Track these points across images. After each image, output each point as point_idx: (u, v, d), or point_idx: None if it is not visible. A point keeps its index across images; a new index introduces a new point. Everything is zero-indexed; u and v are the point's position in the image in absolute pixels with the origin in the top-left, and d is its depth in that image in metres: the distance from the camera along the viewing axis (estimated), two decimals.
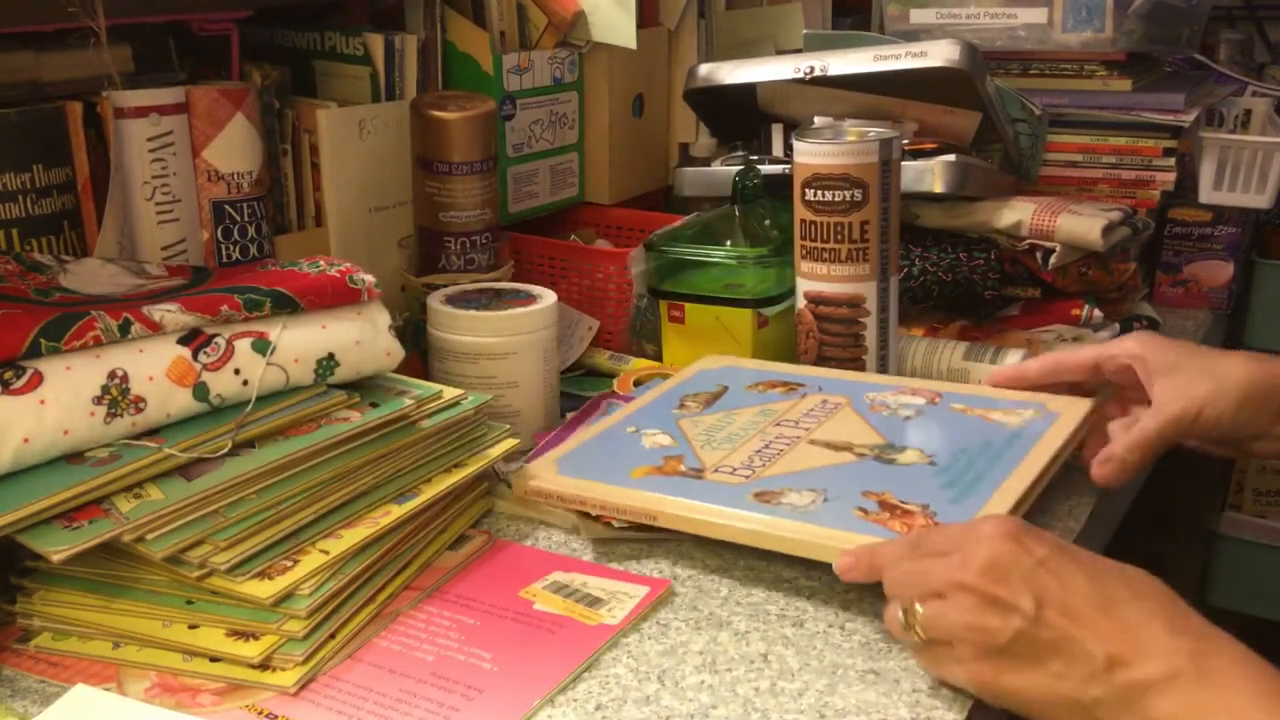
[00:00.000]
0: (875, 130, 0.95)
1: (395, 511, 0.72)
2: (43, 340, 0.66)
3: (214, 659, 0.65)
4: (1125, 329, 1.08)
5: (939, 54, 1.05)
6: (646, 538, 0.78)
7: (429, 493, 0.75)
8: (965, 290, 1.07)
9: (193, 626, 0.66)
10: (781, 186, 1.01)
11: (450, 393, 0.80)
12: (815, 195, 0.93)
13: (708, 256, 1.02)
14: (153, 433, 0.69)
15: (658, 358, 1.05)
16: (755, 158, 1.16)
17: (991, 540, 0.61)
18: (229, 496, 0.67)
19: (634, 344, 1.09)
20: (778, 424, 0.85)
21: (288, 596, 0.65)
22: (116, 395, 0.67)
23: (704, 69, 1.18)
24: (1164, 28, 1.29)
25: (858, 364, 0.95)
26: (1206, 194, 1.24)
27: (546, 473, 0.82)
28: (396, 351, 0.79)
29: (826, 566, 0.70)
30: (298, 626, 0.65)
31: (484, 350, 0.92)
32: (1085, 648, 0.57)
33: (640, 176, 1.29)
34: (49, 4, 0.80)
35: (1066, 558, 0.61)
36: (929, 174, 1.04)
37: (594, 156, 1.24)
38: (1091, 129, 1.24)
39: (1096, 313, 1.05)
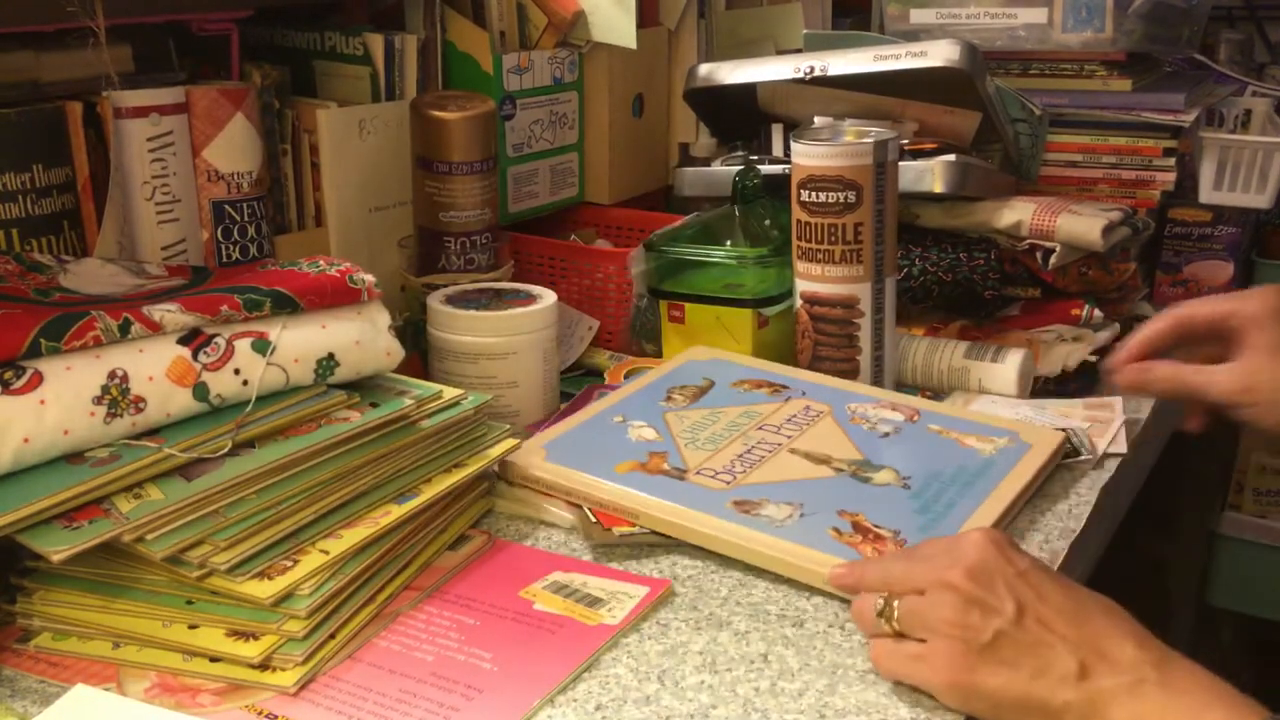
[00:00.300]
0: (872, 132, 0.95)
1: (395, 511, 0.72)
2: (43, 340, 0.66)
3: (214, 659, 0.65)
4: (1125, 329, 1.08)
5: (939, 54, 1.05)
6: (647, 541, 0.78)
7: (429, 493, 0.75)
8: (965, 290, 1.07)
9: (193, 626, 0.66)
10: (781, 186, 1.01)
11: (450, 393, 0.80)
12: (810, 196, 0.93)
13: (708, 256, 1.02)
14: (153, 433, 0.69)
15: (658, 357, 1.05)
16: (755, 158, 1.16)
17: (978, 547, 0.64)
18: (229, 496, 0.67)
19: (634, 344, 1.09)
20: (760, 428, 0.86)
21: (288, 596, 0.65)
22: (116, 395, 0.67)
23: (704, 69, 1.18)
24: (1164, 28, 1.29)
25: (852, 365, 0.96)
26: (1206, 194, 1.24)
27: (535, 457, 0.83)
28: (396, 351, 0.79)
29: None
30: (298, 626, 0.65)
31: (484, 350, 0.92)
32: (1060, 654, 0.60)
33: (640, 176, 1.29)
34: (49, 4, 0.80)
35: (1045, 574, 0.64)
36: (929, 174, 1.04)
37: (594, 156, 1.24)
38: (1091, 129, 1.24)
39: (1096, 313, 1.05)
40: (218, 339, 0.71)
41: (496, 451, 0.80)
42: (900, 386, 1.00)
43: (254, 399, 0.72)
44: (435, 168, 0.99)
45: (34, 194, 0.83)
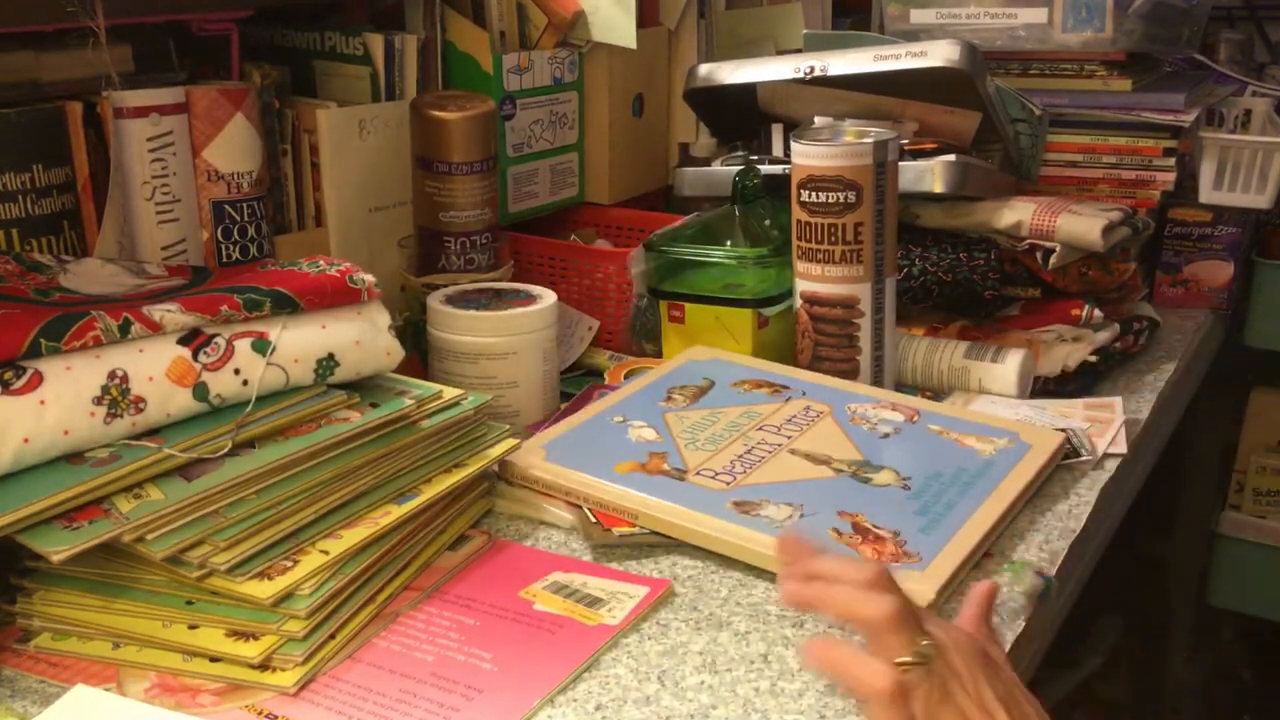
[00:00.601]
0: (872, 132, 0.95)
1: (395, 512, 0.72)
2: (43, 340, 0.66)
3: (214, 659, 0.65)
4: (1125, 329, 1.08)
5: (939, 54, 1.05)
6: (647, 542, 0.78)
7: (429, 493, 0.75)
8: (965, 290, 1.07)
9: (193, 626, 0.66)
10: (781, 186, 1.01)
11: (450, 393, 0.80)
12: (810, 197, 0.93)
13: (708, 256, 1.02)
14: (153, 433, 0.69)
15: (658, 357, 1.05)
16: (755, 158, 1.16)
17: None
18: (229, 496, 0.67)
19: (634, 344, 1.09)
20: (760, 428, 0.86)
21: (288, 597, 0.65)
22: (116, 395, 0.67)
23: (704, 69, 1.18)
24: (1164, 28, 1.29)
25: (852, 365, 0.96)
26: (1206, 194, 1.24)
27: (535, 456, 0.83)
28: (396, 351, 0.79)
29: None
30: (298, 627, 0.65)
31: (484, 350, 0.92)
32: None
33: (640, 176, 1.29)
34: (49, 4, 0.80)
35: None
36: (929, 174, 1.04)
37: (594, 156, 1.24)
38: (1091, 129, 1.24)
39: (1096, 313, 1.05)
40: (218, 339, 0.71)
41: (496, 451, 0.80)
42: (900, 386, 1.00)
43: (254, 399, 0.72)
44: (435, 168, 0.99)
45: (34, 194, 0.83)
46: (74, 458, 0.67)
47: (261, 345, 0.72)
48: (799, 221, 0.95)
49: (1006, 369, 0.98)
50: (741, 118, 1.21)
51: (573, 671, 0.65)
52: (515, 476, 0.83)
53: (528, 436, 0.87)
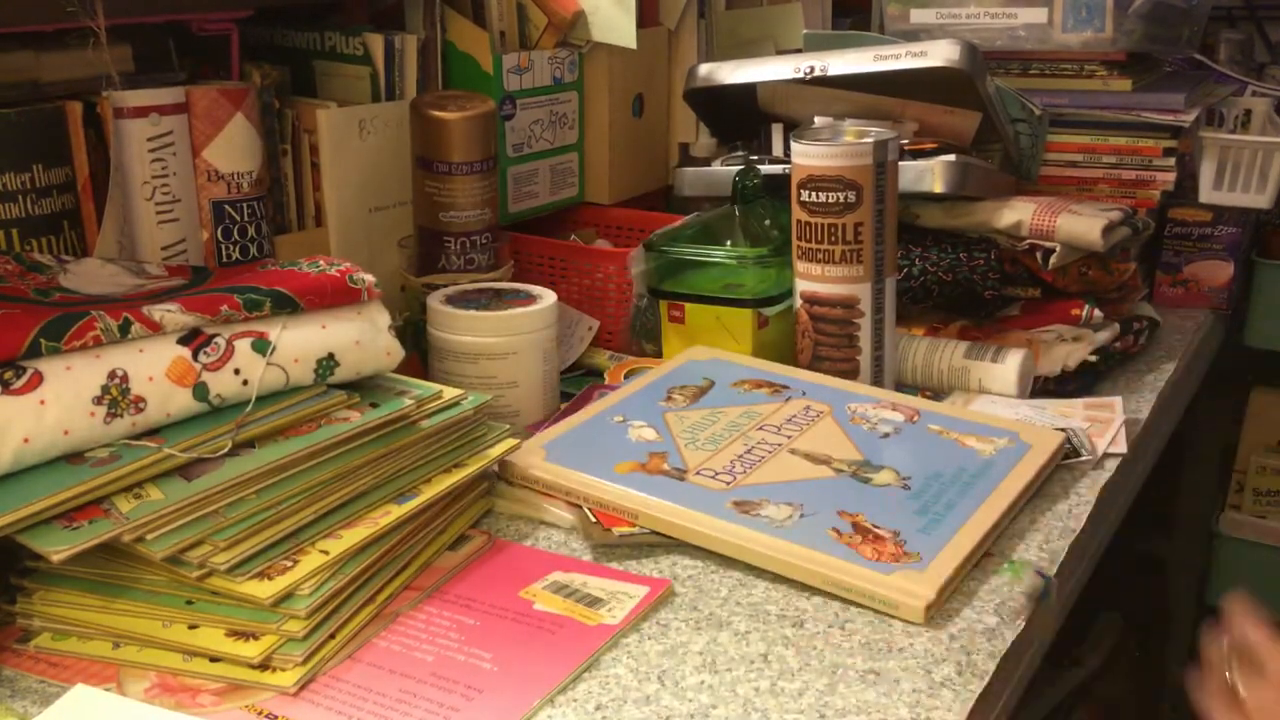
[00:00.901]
0: (872, 132, 0.95)
1: (395, 511, 0.72)
2: (43, 340, 0.66)
3: (214, 659, 0.65)
4: (1125, 329, 1.08)
5: (939, 54, 1.05)
6: (647, 541, 0.78)
7: (429, 493, 0.75)
8: (965, 290, 1.07)
9: (193, 626, 0.66)
10: (781, 186, 1.01)
11: (450, 393, 0.80)
12: (810, 197, 0.93)
13: (708, 256, 1.02)
14: (153, 433, 0.69)
15: (658, 357, 1.05)
16: (755, 158, 1.16)
17: None
18: (229, 496, 0.67)
19: (634, 344, 1.09)
20: (760, 428, 0.86)
21: (287, 596, 0.65)
22: (116, 395, 0.67)
23: (704, 69, 1.18)
24: (1164, 28, 1.29)
25: (852, 365, 0.96)
26: (1206, 194, 1.24)
27: (535, 456, 0.83)
28: (396, 351, 0.79)
29: None
30: (298, 627, 0.65)
31: (484, 350, 0.92)
32: None
33: (640, 176, 1.29)
34: (49, 4, 0.80)
35: None
36: (929, 174, 1.04)
37: (594, 156, 1.24)
38: (1091, 129, 1.24)
39: (1096, 313, 1.05)
40: (218, 339, 0.71)
41: (496, 451, 0.80)
42: (900, 386, 1.00)
43: (254, 399, 0.72)
44: (435, 168, 0.99)
45: (34, 194, 0.83)
46: (74, 458, 0.67)
47: (261, 345, 0.72)
48: (799, 221, 0.95)
49: (1006, 369, 0.98)
50: (741, 118, 1.21)
51: (573, 671, 0.65)
52: (515, 476, 0.83)
53: (528, 436, 0.87)
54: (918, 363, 1.01)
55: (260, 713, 0.62)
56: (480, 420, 0.81)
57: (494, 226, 1.03)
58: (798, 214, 0.95)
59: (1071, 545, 0.79)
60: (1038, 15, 1.24)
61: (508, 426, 0.83)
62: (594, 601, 0.71)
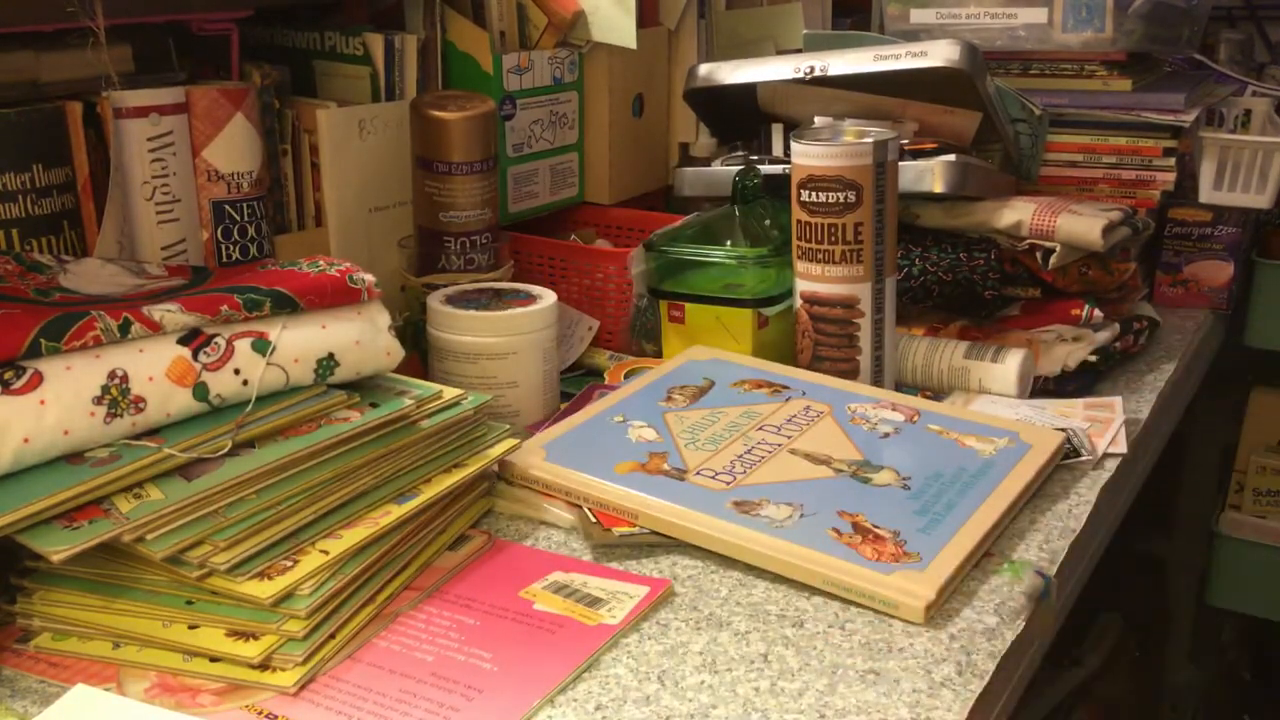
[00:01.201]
0: (872, 132, 0.95)
1: (395, 511, 0.72)
2: (43, 340, 0.66)
3: (214, 659, 0.65)
4: (1125, 329, 1.08)
5: (939, 54, 1.05)
6: (647, 541, 0.78)
7: (429, 493, 0.75)
8: (965, 290, 1.07)
9: (193, 626, 0.66)
10: (781, 186, 1.01)
11: (450, 393, 0.80)
12: (810, 196, 0.93)
13: (708, 256, 1.02)
14: (153, 433, 0.69)
15: (658, 357, 1.05)
16: (755, 158, 1.16)
17: None
18: (229, 496, 0.67)
19: (634, 344, 1.09)
20: (760, 428, 0.86)
21: (287, 596, 0.65)
22: (116, 395, 0.67)
23: (704, 69, 1.18)
24: (1164, 28, 1.29)
25: (852, 365, 0.96)
26: (1206, 194, 1.24)
27: (535, 457, 0.83)
28: (396, 351, 0.79)
29: None
30: (298, 627, 0.65)
31: (484, 350, 0.92)
32: None
33: (640, 176, 1.29)
34: (49, 4, 0.80)
35: None
36: (929, 174, 1.04)
37: (594, 156, 1.24)
38: (1091, 129, 1.24)
39: (1096, 313, 1.05)
40: (218, 339, 0.71)
41: (496, 451, 0.80)
42: (900, 386, 1.00)
43: (254, 399, 0.72)
44: (435, 168, 0.99)
45: (34, 194, 0.83)
46: (74, 458, 0.67)
47: (261, 345, 0.72)
48: (799, 221, 0.95)
49: (1006, 369, 0.98)
50: (741, 118, 1.21)
51: (573, 671, 0.65)
52: (515, 476, 0.83)
53: (528, 436, 0.87)
54: (918, 363, 1.01)
55: (260, 713, 0.62)
56: (480, 420, 0.81)
57: (494, 226, 1.03)
58: (798, 214, 0.95)
59: (1071, 545, 0.79)
60: (1038, 15, 1.24)
61: (508, 426, 0.83)
62: (594, 601, 0.71)
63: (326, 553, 0.68)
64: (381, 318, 0.79)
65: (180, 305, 0.71)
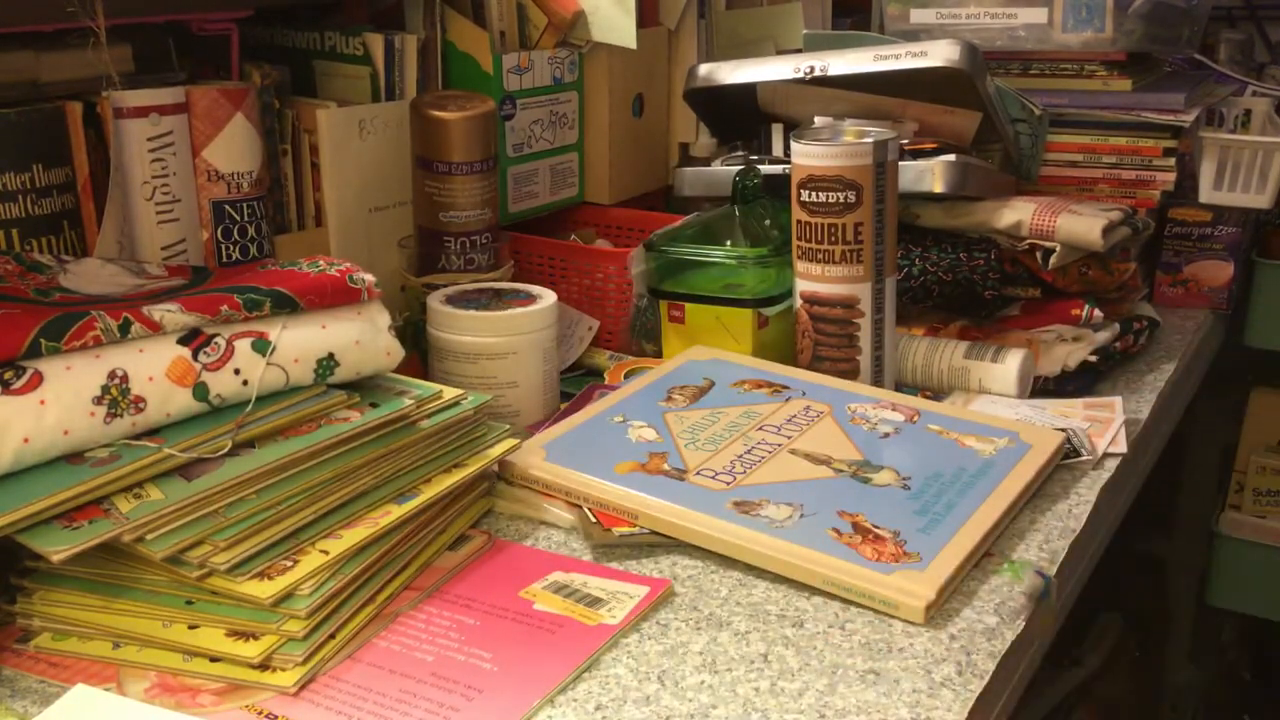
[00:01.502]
0: (872, 132, 0.95)
1: (395, 512, 0.72)
2: (43, 340, 0.66)
3: (214, 659, 0.65)
4: (1125, 329, 1.08)
5: (939, 54, 1.05)
6: (647, 541, 0.78)
7: (429, 493, 0.75)
8: (965, 290, 1.07)
9: (193, 626, 0.66)
10: (781, 186, 1.01)
11: (450, 393, 0.80)
12: (810, 196, 0.93)
13: (708, 256, 1.02)
14: (153, 433, 0.69)
15: (658, 357, 1.05)
16: (755, 158, 1.16)
17: None
18: (229, 496, 0.67)
19: (634, 344, 1.09)
20: (760, 428, 0.86)
21: (287, 597, 0.65)
22: (116, 395, 0.67)
23: (704, 69, 1.18)
24: (1164, 28, 1.29)
25: (852, 365, 0.96)
26: (1206, 194, 1.24)
27: (534, 457, 0.83)
28: (396, 351, 0.79)
29: None
30: (298, 627, 0.65)
31: (484, 350, 0.92)
32: None
33: (640, 176, 1.29)
34: (49, 4, 0.80)
35: None
36: (929, 174, 1.04)
37: (594, 156, 1.24)
38: (1091, 129, 1.24)
39: (1096, 313, 1.05)
40: (218, 339, 0.71)
41: (496, 451, 0.80)
42: (900, 386, 1.00)
43: (254, 399, 0.72)
44: (435, 168, 0.99)
45: (34, 194, 0.83)
46: (74, 458, 0.67)
47: (261, 345, 0.73)
48: (799, 221, 0.95)
49: (1006, 369, 0.98)
50: (741, 118, 1.21)
51: (573, 671, 0.65)
52: (515, 476, 0.83)
53: (528, 436, 0.87)
54: (918, 363, 1.01)
55: (260, 713, 0.62)
56: (480, 420, 0.81)
57: (494, 226, 1.03)
58: (798, 214, 0.95)
59: (1071, 545, 0.79)
60: (1038, 15, 1.24)
61: (508, 426, 0.83)
62: (594, 601, 0.71)
63: (326, 553, 0.68)
64: (381, 318, 0.79)
65: (180, 305, 0.71)
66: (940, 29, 1.29)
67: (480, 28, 1.10)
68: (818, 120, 1.11)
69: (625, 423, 0.88)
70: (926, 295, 1.08)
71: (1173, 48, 1.36)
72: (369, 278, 0.78)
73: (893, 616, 0.70)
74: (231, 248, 0.93)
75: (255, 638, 0.65)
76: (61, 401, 0.65)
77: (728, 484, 0.79)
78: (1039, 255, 1.04)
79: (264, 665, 0.64)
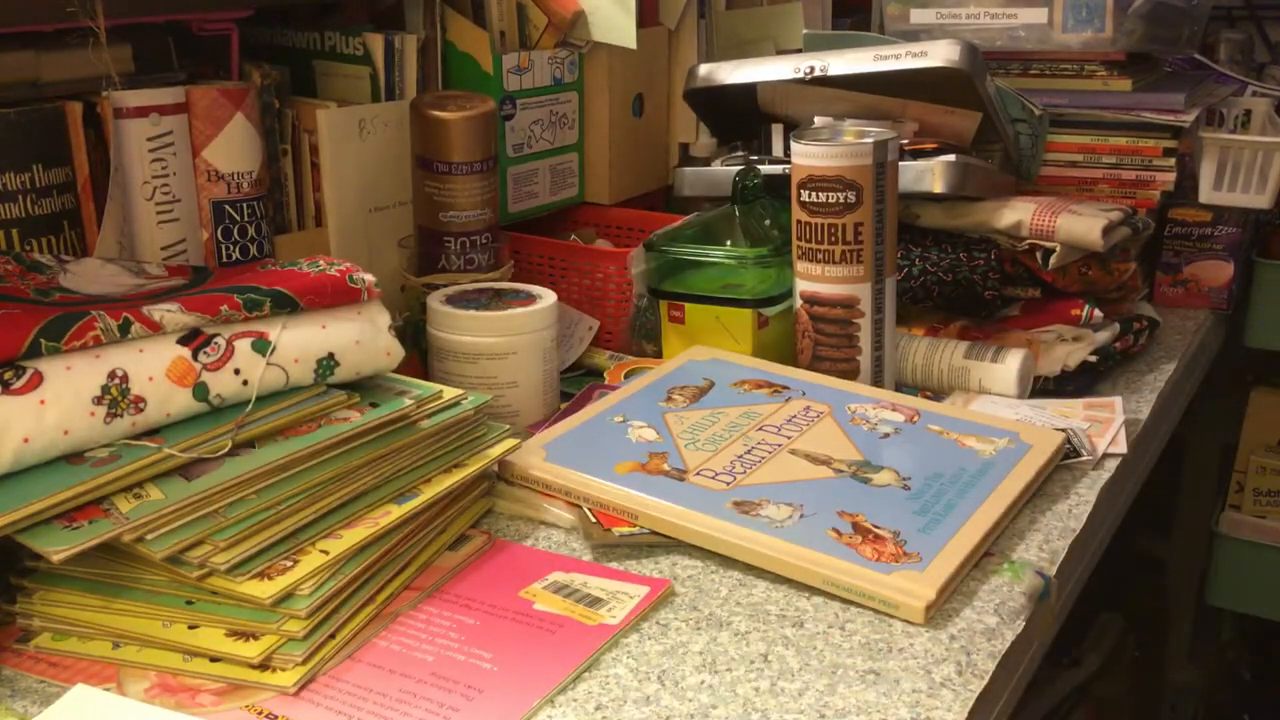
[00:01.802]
0: (872, 132, 0.95)
1: (395, 511, 0.72)
2: (43, 340, 0.66)
3: (214, 659, 0.65)
4: (1125, 329, 1.08)
5: (939, 54, 1.05)
6: (647, 541, 0.78)
7: (429, 493, 0.75)
8: (965, 290, 1.07)
9: (193, 626, 0.66)
10: (781, 186, 1.01)
11: (450, 393, 0.80)
12: (810, 197, 0.93)
13: (708, 256, 1.02)
14: (153, 433, 0.69)
15: (658, 357, 1.05)
16: (755, 158, 1.16)
17: None
18: (229, 496, 0.67)
19: (634, 344, 1.09)
20: (760, 428, 0.86)
21: (288, 597, 0.65)
22: (116, 395, 0.67)
23: (704, 69, 1.18)
24: (1164, 28, 1.29)
25: (852, 365, 0.96)
26: (1206, 194, 1.24)
27: (535, 457, 0.83)
28: (396, 351, 0.79)
29: None
30: (298, 627, 0.65)
31: (484, 350, 0.92)
32: None
33: (640, 176, 1.29)
34: (49, 4, 0.80)
35: None
36: (929, 174, 1.04)
37: (594, 156, 1.24)
38: (1091, 129, 1.24)
39: (1096, 313, 1.05)
40: (218, 339, 0.71)
41: (496, 451, 0.80)
42: (900, 386, 1.00)
43: (254, 399, 0.72)
44: (435, 168, 0.99)
45: (34, 194, 0.83)
46: (74, 458, 0.67)
47: (261, 345, 0.73)
48: (799, 221, 0.95)
49: (1006, 369, 0.98)
50: (741, 118, 1.21)
51: (573, 671, 0.65)
52: (515, 476, 0.83)
53: (528, 436, 0.87)
54: (918, 363, 1.01)
55: (260, 713, 0.62)
56: (480, 420, 0.81)
57: (494, 226, 1.03)
58: (798, 214, 0.95)
59: (1071, 545, 0.79)
60: (1038, 15, 1.24)
61: (508, 426, 0.83)
62: (594, 601, 0.71)
63: (326, 553, 0.68)
64: (381, 318, 0.79)
65: (180, 305, 0.71)
66: (940, 29, 1.29)
67: (480, 28, 1.10)
68: (818, 120, 1.11)
69: (625, 423, 0.88)
70: (926, 295, 1.08)
71: (1173, 48, 1.36)
72: (369, 278, 0.78)
73: (893, 616, 0.70)
74: (231, 248, 0.93)
75: (255, 638, 0.65)
76: (61, 401, 0.65)
77: (728, 484, 0.79)
78: (1039, 255, 1.04)
79: (264, 665, 0.64)
